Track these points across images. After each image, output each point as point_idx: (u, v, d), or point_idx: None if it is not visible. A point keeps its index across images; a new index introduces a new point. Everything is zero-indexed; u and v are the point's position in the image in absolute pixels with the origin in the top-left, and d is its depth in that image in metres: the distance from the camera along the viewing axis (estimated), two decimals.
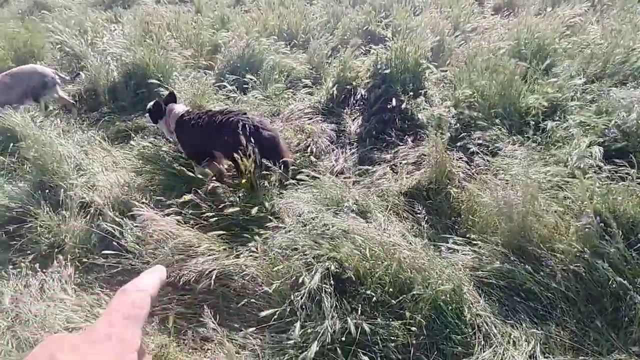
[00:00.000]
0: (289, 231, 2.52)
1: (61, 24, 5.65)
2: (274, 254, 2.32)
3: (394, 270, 2.20)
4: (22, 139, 3.45)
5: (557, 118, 3.48)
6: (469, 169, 3.06)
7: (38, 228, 2.81)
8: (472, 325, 2.18)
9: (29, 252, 2.74)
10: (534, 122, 3.33)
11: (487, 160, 3.06)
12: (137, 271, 2.52)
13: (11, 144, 3.50)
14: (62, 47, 5.52)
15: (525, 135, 3.32)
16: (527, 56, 4.19)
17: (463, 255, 2.50)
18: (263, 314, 2.06)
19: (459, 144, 3.33)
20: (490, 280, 2.38)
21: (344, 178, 3.14)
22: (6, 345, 2.15)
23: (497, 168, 2.92)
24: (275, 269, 2.26)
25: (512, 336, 2.17)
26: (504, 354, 2.09)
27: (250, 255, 2.38)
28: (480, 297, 2.31)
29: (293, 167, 3.10)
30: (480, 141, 3.30)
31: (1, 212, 2.95)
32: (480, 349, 2.11)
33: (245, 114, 2.94)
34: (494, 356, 2.08)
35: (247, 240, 2.50)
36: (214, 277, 2.23)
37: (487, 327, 2.18)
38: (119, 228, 2.68)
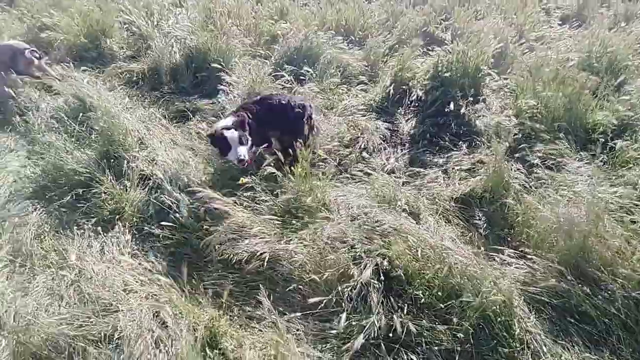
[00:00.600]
0: (339, 223, 2.54)
1: (130, 5, 5.94)
2: (323, 244, 2.35)
3: (444, 275, 2.17)
4: (91, 110, 3.67)
5: (627, 137, 3.29)
6: (527, 181, 2.95)
7: (102, 194, 2.98)
8: (520, 340, 2.12)
9: (92, 215, 2.92)
10: (602, 140, 3.16)
11: (548, 175, 2.94)
12: (191, 245, 2.63)
13: (80, 114, 3.73)
14: (130, 27, 5.81)
15: (591, 153, 3.16)
16: (598, 70, 3.98)
17: (516, 268, 2.41)
18: (311, 300, 2.10)
19: (517, 154, 3.22)
20: (543, 298, 2.29)
21: (395, 177, 3.12)
22: (70, 298, 2.31)
23: (560, 184, 2.80)
24: (325, 258, 2.29)
25: (562, 358, 2.09)
26: None
27: (301, 243, 2.42)
28: (531, 313, 2.24)
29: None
30: (540, 154, 3.18)
31: (70, 175, 3.16)
32: None
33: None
34: None
35: (298, 227, 2.54)
36: (266, 259, 2.29)
37: (536, 345, 2.11)
38: (176, 202, 2.81)
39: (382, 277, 2.16)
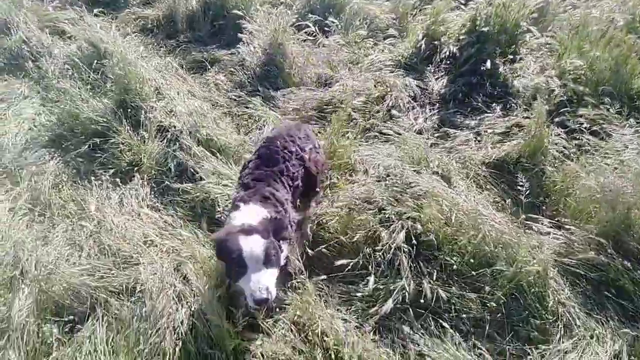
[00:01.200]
0: (367, 184, 2.41)
1: None
2: (351, 205, 2.24)
3: (477, 242, 2.06)
4: (106, 56, 3.49)
5: None
6: (567, 148, 2.76)
7: (120, 145, 2.88)
8: (553, 312, 2.03)
9: (110, 166, 2.84)
10: None
11: (592, 141, 2.74)
12: (211, 200, 2.54)
13: (95, 61, 3.56)
14: None
15: (638, 120, 2.92)
16: None
17: (552, 238, 2.29)
18: (338, 262, 2.02)
19: (557, 119, 3.00)
20: (578, 270, 2.18)
21: (426, 139, 2.94)
22: (90, 249, 2.27)
23: (606, 151, 2.60)
24: (353, 220, 2.19)
25: (596, 331, 2.00)
26: (585, 348, 1.94)
27: (328, 204, 2.31)
28: (566, 285, 2.14)
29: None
30: (583, 119, 2.95)
31: (86, 124, 3.05)
32: (559, 339, 1.98)
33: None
34: (573, 348, 1.94)
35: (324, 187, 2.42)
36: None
37: (569, 318, 2.02)
38: (196, 156, 2.70)
39: (414, 242, 2.05)
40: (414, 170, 2.43)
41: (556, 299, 2.04)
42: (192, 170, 2.67)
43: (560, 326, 2.00)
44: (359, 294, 2.05)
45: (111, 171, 2.80)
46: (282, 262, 1.75)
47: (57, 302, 2.00)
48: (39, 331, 1.88)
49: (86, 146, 2.95)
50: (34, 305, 1.93)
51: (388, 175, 2.42)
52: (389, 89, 3.34)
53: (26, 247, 2.15)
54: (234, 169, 2.60)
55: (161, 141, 2.97)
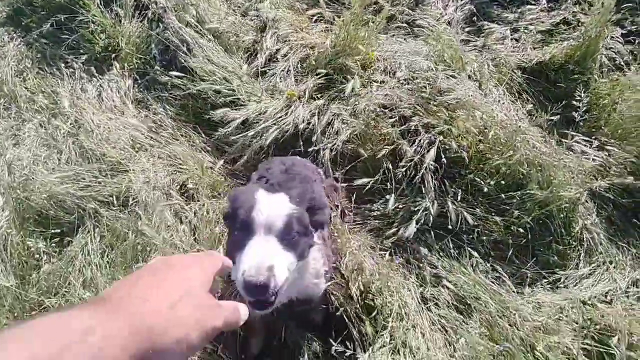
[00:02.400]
0: (387, 88, 2.06)
1: None
2: (371, 114, 1.93)
3: (514, 162, 1.83)
4: None
5: None
6: (621, 54, 2.37)
7: (90, 24, 2.36)
8: (577, 238, 1.93)
9: (81, 51, 2.37)
10: None
11: None
12: (204, 97, 2.17)
13: None
14: None
15: None
16: None
17: (585, 158, 2.07)
18: (358, 182, 1.79)
19: (615, 17, 2.52)
20: (609, 195, 2.02)
21: (455, 34, 2.48)
22: (70, 152, 1.98)
23: None
24: (372, 130, 1.90)
25: (616, 258, 1.93)
26: (604, 274, 1.89)
27: (343, 107, 1.98)
28: (593, 210, 2.00)
29: None
30: None
31: None
32: (577, 264, 1.91)
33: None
34: (590, 274, 1.89)
35: (338, 92, 2.05)
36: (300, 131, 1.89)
37: (592, 244, 1.93)
38: (185, 41, 2.23)
39: (443, 159, 1.80)
40: (446, 74, 2.06)
41: (582, 224, 1.92)
42: (181, 59, 2.23)
43: (581, 252, 1.92)
44: (376, 212, 1.89)
45: (83, 57, 2.36)
46: (307, 254, 1.14)
47: (40, 212, 1.79)
48: (23, 245, 1.70)
49: (49, 24, 2.43)
50: (14, 215, 1.72)
51: (415, 78, 2.05)
52: None
53: None
54: (233, 61, 2.18)
55: (140, 21, 2.45)
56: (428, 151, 1.81)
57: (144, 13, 2.47)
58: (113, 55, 2.35)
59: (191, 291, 0.52)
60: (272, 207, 1.01)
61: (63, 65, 2.33)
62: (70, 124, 2.07)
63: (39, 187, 1.79)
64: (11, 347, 0.37)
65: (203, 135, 2.14)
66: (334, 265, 1.55)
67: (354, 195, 1.86)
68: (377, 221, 1.89)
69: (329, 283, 1.44)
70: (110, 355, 0.40)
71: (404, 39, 2.42)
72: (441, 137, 1.82)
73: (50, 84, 2.28)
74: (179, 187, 1.91)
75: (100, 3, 2.42)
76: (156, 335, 0.45)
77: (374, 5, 2.36)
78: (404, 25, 2.34)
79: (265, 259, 0.93)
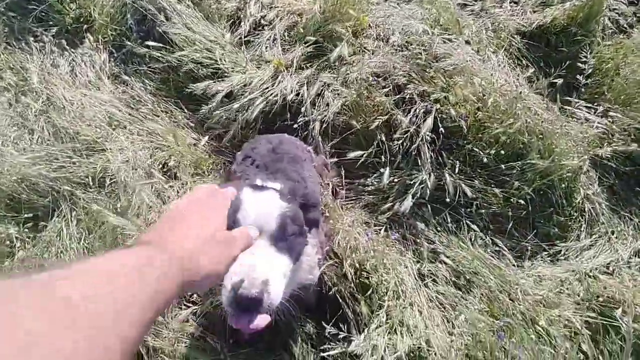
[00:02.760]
0: (379, 54, 1.93)
1: None
2: (363, 81, 1.81)
3: (514, 130, 1.73)
4: None
5: None
6: (625, 15, 2.25)
7: None
8: (577, 209, 1.86)
9: (51, 23, 2.20)
10: None
11: None
12: (185, 70, 2.02)
13: None
14: None
15: None
16: None
17: (588, 126, 1.98)
18: (351, 154, 1.69)
19: None
20: (611, 163, 1.95)
21: None
22: (42, 132, 1.85)
23: None
24: (365, 101, 1.79)
25: (618, 229, 1.88)
26: (605, 245, 1.83)
27: (334, 77, 1.86)
28: (595, 179, 1.92)
29: None
30: None
31: None
32: (578, 236, 1.85)
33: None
34: (592, 245, 1.83)
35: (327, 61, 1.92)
36: (288, 103, 1.77)
37: (593, 214, 1.86)
38: (163, 9, 2.07)
39: (441, 129, 1.70)
40: (442, 38, 1.94)
41: (584, 194, 1.85)
42: (160, 29, 2.07)
43: (582, 223, 1.85)
44: (370, 187, 1.80)
45: (54, 30, 2.19)
46: (308, 266, 1.08)
47: (12, 196, 1.67)
48: None
49: None
50: None
51: (410, 44, 1.92)
52: None
53: None
54: (215, 30, 2.03)
55: None
56: (424, 121, 1.70)
57: None
58: (85, 27, 2.18)
59: (215, 233, 0.65)
60: (260, 207, 0.85)
61: (32, 39, 2.16)
62: (42, 102, 1.93)
63: (9, 169, 1.67)
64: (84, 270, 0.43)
65: (186, 111, 2.02)
66: (328, 247, 1.46)
67: (346, 170, 1.75)
68: (371, 196, 1.81)
69: (323, 267, 1.36)
70: (166, 282, 0.50)
71: (397, 4, 2.27)
72: (438, 106, 1.72)
73: (19, 59, 2.12)
74: (160, 165, 1.80)
75: None
76: (195, 270, 0.57)
77: None
78: None
79: (259, 270, 0.75)
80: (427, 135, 1.70)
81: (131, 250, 0.52)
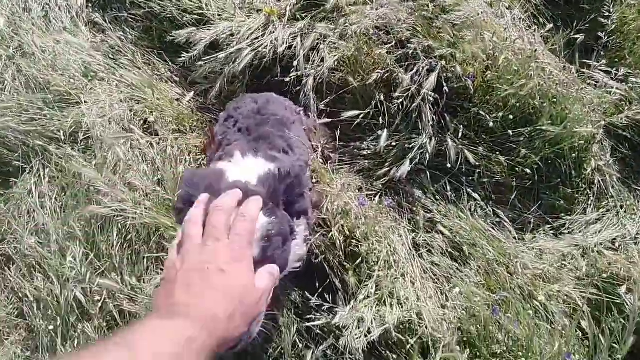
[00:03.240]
0: (383, 6, 1.75)
1: None
2: (362, 36, 1.64)
3: (525, 93, 1.58)
4: None
5: None
6: None
7: None
8: (587, 180, 1.75)
9: None
10: None
11: None
12: (169, 17, 1.84)
13: None
14: None
15: None
16: None
17: (605, 92, 1.82)
18: (346, 114, 1.55)
19: None
20: (626, 133, 1.81)
21: None
22: (13, 82, 1.70)
23: None
24: (364, 57, 1.63)
25: (628, 203, 1.77)
26: (612, 220, 1.73)
27: (330, 28, 1.69)
28: (607, 150, 1.80)
29: None
30: None
31: None
32: (585, 209, 1.74)
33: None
34: (598, 220, 1.73)
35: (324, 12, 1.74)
36: (279, 56, 1.61)
37: (603, 186, 1.75)
38: None
39: (445, 88, 1.55)
40: None
41: (595, 165, 1.73)
42: None
43: (590, 196, 1.74)
44: (366, 151, 1.67)
45: None
46: (296, 255, 0.97)
47: None
48: None
49: None
50: None
51: None
52: None
53: None
54: None
55: None
56: (427, 79, 1.55)
57: None
58: None
59: (241, 299, 0.61)
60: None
61: None
62: (13, 49, 1.77)
63: None
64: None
65: (169, 64, 1.86)
66: (315, 219, 1.35)
67: (341, 132, 1.61)
68: (367, 161, 1.69)
69: (311, 242, 1.25)
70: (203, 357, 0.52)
71: None
72: (443, 63, 1.56)
73: None
74: (141, 122, 1.66)
75: None
76: (223, 338, 0.57)
77: None
78: None
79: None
80: (430, 95, 1.55)
81: (162, 332, 0.51)
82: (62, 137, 1.55)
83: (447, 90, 1.54)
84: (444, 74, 1.59)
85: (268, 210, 0.78)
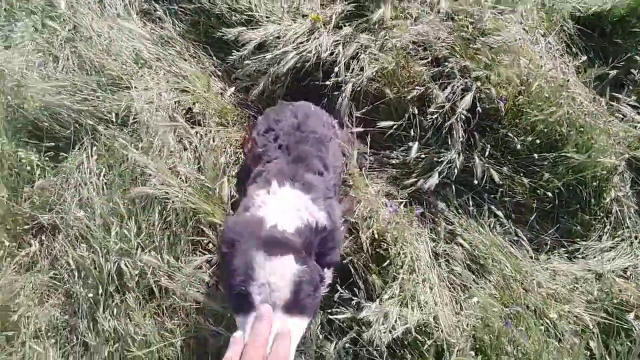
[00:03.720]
0: (423, 22, 1.83)
1: None
2: (402, 49, 1.72)
3: (554, 120, 1.65)
4: None
5: None
6: None
7: None
8: (605, 209, 1.81)
9: None
10: None
11: None
12: (217, 14, 1.93)
13: None
14: None
15: None
16: None
17: (635, 126, 1.88)
18: (381, 124, 1.63)
19: None
20: None
21: None
22: (67, 60, 1.80)
23: None
24: (401, 70, 1.71)
25: None
26: (625, 250, 1.78)
27: (372, 39, 1.76)
28: (628, 181, 1.86)
29: None
30: None
31: None
32: (600, 236, 1.80)
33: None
34: (612, 247, 1.79)
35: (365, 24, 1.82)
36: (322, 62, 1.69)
37: (619, 216, 1.81)
38: None
39: (478, 108, 1.63)
40: (493, 12, 1.81)
41: (614, 195, 1.79)
42: None
43: (606, 224, 1.80)
44: (395, 160, 1.75)
45: None
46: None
47: (35, 123, 1.65)
48: (16, 156, 1.58)
49: None
50: (3, 123, 1.58)
51: (456, 14, 1.81)
52: None
53: None
54: None
55: None
56: (462, 98, 1.62)
57: None
58: None
59: None
60: (274, 276, 0.83)
61: None
62: (69, 30, 1.87)
63: (32, 96, 1.64)
64: None
65: (214, 58, 1.94)
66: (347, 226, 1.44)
67: (372, 140, 1.69)
68: (395, 170, 1.76)
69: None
70: None
71: None
72: (478, 84, 1.63)
73: None
74: (184, 111, 1.75)
75: None
76: None
77: None
78: None
79: None
80: (463, 113, 1.63)
81: None
82: (112, 119, 1.65)
83: (480, 111, 1.61)
84: (478, 95, 1.66)
85: (300, 259, 0.87)
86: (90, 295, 1.42)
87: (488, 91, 1.63)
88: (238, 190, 1.50)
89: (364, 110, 1.72)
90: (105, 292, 1.43)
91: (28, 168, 1.57)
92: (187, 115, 1.76)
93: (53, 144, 1.64)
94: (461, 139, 1.66)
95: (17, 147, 1.59)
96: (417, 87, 1.67)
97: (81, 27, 1.84)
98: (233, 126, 1.72)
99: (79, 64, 1.81)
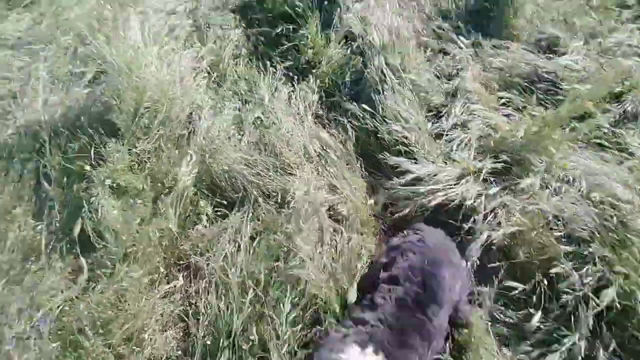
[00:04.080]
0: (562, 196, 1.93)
1: None
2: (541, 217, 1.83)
3: None
4: None
5: None
6: None
7: (304, 38, 2.66)
8: None
9: (288, 57, 2.68)
10: None
11: None
12: (379, 136, 2.25)
13: None
14: None
15: None
16: None
17: None
18: (508, 283, 1.71)
19: None
20: None
21: None
22: (250, 137, 2.21)
23: None
24: (534, 237, 1.80)
25: None
26: None
27: (515, 201, 1.91)
28: None
29: None
30: None
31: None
32: None
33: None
34: None
35: (518, 182, 1.99)
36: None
37: None
38: (383, 80, 2.37)
39: (617, 303, 1.62)
40: None
41: None
42: (372, 95, 2.36)
43: None
44: (508, 320, 1.76)
45: (288, 63, 2.65)
46: None
47: (215, 181, 2.02)
48: (195, 202, 1.93)
49: (268, 26, 2.81)
50: (196, 175, 1.97)
51: (602, 202, 1.89)
52: (631, 87, 2.55)
53: (203, 112, 2.18)
54: (417, 115, 2.24)
55: (346, 48, 2.67)
56: (597, 284, 1.64)
57: (349, 43, 2.70)
58: (313, 70, 2.59)
59: None
60: None
61: (269, 63, 2.63)
62: (263, 113, 2.32)
63: (222, 160, 2.03)
64: None
65: (363, 170, 2.22)
66: None
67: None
68: (506, 329, 1.76)
69: None
70: None
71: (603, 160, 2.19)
72: (620, 281, 1.64)
73: (254, 75, 2.59)
74: (329, 207, 2.00)
75: (319, 23, 2.71)
76: None
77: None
78: (607, 144, 2.16)
79: None
80: (596, 301, 1.63)
81: None
82: (272, 196, 1.95)
83: (618, 306, 1.60)
84: (618, 289, 1.66)
85: None
86: (209, 342, 1.58)
87: (628, 289, 1.63)
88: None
89: (493, 266, 1.81)
90: (219, 345, 1.58)
91: (201, 216, 1.90)
92: (330, 212, 2.00)
93: (225, 202, 1.97)
94: (587, 325, 1.64)
95: (199, 196, 1.95)
96: (555, 263, 1.73)
97: (271, 116, 2.28)
98: (367, 237, 1.91)
99: (254, 143, 2.19)
